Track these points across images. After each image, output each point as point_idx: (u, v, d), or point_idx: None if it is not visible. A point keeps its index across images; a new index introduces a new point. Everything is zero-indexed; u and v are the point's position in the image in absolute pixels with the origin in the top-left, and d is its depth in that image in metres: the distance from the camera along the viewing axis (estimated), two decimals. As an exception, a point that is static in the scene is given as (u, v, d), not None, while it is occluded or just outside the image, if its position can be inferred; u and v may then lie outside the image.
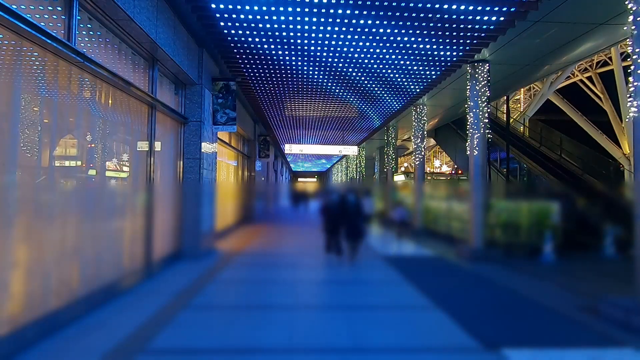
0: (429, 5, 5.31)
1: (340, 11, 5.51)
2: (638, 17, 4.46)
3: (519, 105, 34.31)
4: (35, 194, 3.87)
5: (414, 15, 5.55)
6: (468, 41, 6.44)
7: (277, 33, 6.19)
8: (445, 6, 5.32)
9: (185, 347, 3.57)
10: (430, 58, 7.19)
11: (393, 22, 5.80)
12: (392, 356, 3.46)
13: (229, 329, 4.02)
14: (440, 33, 6.15)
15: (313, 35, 6.24)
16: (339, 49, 6.82)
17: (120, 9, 4.36)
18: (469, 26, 5.89)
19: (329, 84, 8.97)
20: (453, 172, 23.14)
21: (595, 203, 9.13)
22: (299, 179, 46.63)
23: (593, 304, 4.74)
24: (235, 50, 6.96)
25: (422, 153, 12.43)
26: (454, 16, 5.61)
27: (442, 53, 6.98)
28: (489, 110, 8.43)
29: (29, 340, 3.38)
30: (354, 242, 7.41)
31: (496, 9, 5.39)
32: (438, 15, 5.58)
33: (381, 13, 5.51)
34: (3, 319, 3.22)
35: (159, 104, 6.17)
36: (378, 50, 6.89)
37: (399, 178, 23.36)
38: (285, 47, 6.75)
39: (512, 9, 5.42)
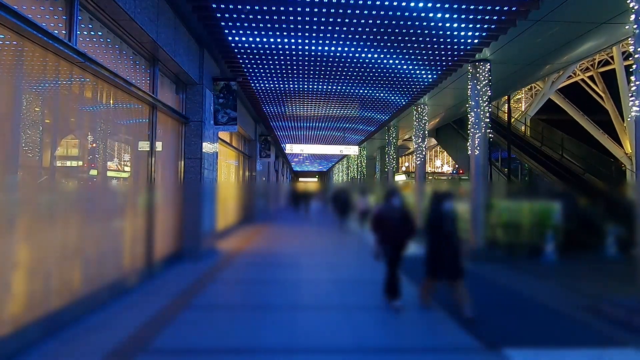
0: (429, 5, 5.31)
1: (341, 11, 5.51)
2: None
3: (520, 104, 34.25)
4: (36, 194, 3.88)
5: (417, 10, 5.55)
6: (469, 40, 6.42)
7: (277, 33, 6.19)
8: (446, 5, 5.31)
9: (187, 347, 3.57)
10: (435, 54, 7.13)
11: (395, 21, 5.80)
12: (392, 356, 3.46)
13: (230, 329, 4.02)
14: (441, 32, 6.15)
15: (314, 35, 6.23)
16: (339, 48, 6.81)
17: (121, 9, 4.37)
18: (470, 25, 5.88)
19: (330, 84, 8.96)
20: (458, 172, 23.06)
21: (597, 203, 9.11)
22: (300, 179, 46.66)
23: (595, 304, 4.73)
24: (235, 50, 6.96)
25: (423, 153, 12.43)
26: (455, 15, 5.60)
27: (442, 53, 6.97)
28: (490, 109, 8.42)
29: (31, 340, 3.39)
30: (456, 282, 4.51)
31: (497, 8, 5.38)
32: (439, 15, 5.58)
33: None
34: (6, 319, 3.23)
35: (160, 104, 6.18)
36: (378, 50, 6.88)
37: (400, 178, 23.36)
38: (286, 46, 6.74)
39: (514, 8, 5.41)
